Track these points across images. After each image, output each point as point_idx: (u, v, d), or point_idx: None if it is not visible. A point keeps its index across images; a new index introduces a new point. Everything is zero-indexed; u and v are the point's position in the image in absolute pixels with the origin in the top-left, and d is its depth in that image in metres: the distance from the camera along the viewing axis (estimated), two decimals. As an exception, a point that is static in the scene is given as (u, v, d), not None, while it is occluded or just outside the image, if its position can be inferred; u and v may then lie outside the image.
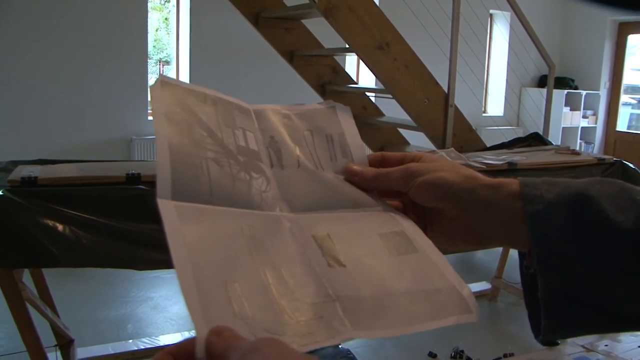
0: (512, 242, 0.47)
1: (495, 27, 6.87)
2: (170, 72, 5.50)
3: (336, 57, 3.57)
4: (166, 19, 5.92)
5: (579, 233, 0.43)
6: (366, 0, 2.82)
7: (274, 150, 0.50)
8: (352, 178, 0.52)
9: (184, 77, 5.15)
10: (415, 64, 2.97)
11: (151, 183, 1.74)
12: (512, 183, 0.47)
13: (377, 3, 3.14)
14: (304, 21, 3.40)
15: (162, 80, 0.46)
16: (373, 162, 0.54)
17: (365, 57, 2.87)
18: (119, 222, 1.66)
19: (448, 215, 0.49)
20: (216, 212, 0.41)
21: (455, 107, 3.09)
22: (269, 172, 0.48)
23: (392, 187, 0.51)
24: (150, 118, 4.99)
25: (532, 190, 0.45)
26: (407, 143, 3.69)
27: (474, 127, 3.49)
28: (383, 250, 0.45)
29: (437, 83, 3.06)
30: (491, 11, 6.48)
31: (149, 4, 4.93)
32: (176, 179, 0.40)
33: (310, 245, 0.43)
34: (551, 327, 0.45)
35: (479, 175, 0.49)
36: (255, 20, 3.32)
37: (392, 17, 2.92)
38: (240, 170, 0.45)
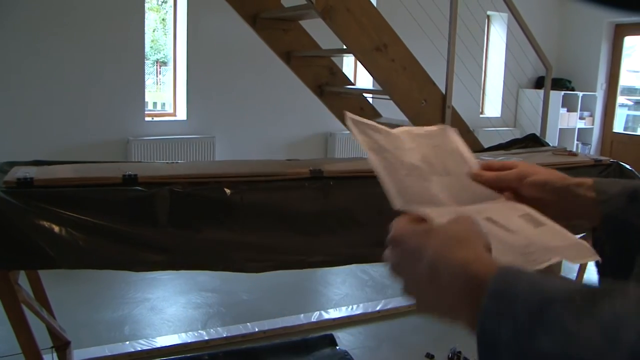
0: (587, 219, 0.68)
1: (492, 29, 6.88)
2: (168, 73, 5.49)
3: (333, 58, 3.56)
4: (163, 19, 5.90)
5: (633, 214, 0.64)
6: (364, 2, 2.81)
7: (428, 164, 0.68)
8: (477, 179, 0.70)
9: (182, 77, 5.14)
10: (412, 65, 2.97)
11: (147, 184, 1.74)
12: (588, 180, 0.69)
13: (375, 4, 3.14)
14: (301, 22, 3.40)
15: (352, 119, 0.65)
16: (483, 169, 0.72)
17: (362, 58, 2.87)
18: (115, 224, 1.65)
19: (543, 203, 0.67)
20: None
21: (453, 108, 3.09)
22: (436, 179, 0.66)
23: (508, 184, 0.70)
24: (147, 119, 4.99)
25: (602, 186, 0.68)
26: (404, 144, 3.68)
27: (471, 128, 3.49)
28: (527, 225, 0.61)
29: (434, 84, 3.06)
30: (488, 12, 6.49)
31: (146, 5, 4.92)
32: (398, 191, 0.60)
33: (486, 223, 0.58)
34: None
35: (566, 175, 0.70)
36: (253, 21, 3.31)
37: (389, 19, 2.92)
38: (424, 180, 0.65)
